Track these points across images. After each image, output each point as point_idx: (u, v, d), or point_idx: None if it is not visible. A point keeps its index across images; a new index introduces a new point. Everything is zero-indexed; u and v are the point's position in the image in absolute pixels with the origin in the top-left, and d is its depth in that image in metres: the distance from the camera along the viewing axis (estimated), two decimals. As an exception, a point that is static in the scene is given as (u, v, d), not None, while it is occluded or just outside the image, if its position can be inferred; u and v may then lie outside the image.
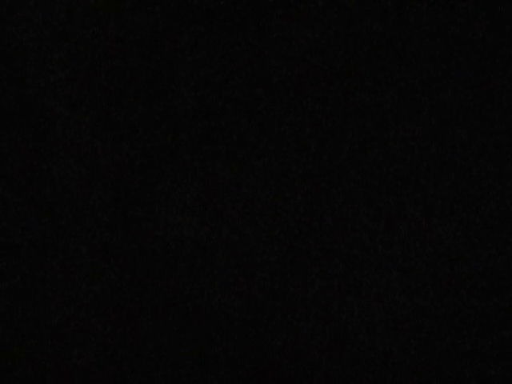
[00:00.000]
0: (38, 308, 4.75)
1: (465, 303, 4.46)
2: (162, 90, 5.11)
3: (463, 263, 4.55)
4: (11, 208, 4.79)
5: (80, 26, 4.75)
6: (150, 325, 4.77)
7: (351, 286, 4.74)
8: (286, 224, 5.06)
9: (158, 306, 4.82)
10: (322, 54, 4.91)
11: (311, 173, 4.93)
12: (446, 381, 4.48)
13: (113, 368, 4.74)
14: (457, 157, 4.64)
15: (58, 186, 4.89)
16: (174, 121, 5.21)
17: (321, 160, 4.98)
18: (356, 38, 4.76)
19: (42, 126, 4.78)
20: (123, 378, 4.77)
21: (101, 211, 4.95)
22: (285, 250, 4.99)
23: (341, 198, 4.87)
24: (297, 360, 4.66)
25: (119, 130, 5.03)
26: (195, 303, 4.90)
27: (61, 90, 4.81)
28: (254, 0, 4.98)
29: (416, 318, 4.51)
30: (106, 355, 4.80)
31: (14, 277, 4.73)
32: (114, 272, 4.90)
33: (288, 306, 4.72)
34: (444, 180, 4.68)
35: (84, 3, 4.71)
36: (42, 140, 4.81)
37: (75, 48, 4.82)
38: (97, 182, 4.95)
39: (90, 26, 4.79)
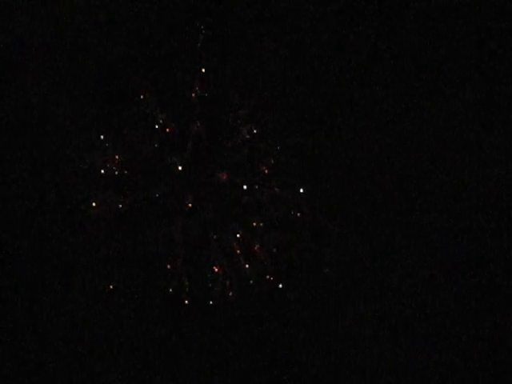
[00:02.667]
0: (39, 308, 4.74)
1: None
2: (161, 89, 5.04)
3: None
4: (12, 209, 4.76)
5: (79, 28, 4.71)
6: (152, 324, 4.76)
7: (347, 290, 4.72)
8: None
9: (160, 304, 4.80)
10: (320, 52, 4.86)
11: (308, 175, 4.90)
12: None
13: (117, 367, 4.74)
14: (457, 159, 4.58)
15: (59, 187, 4.86)
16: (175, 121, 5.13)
17: (319, 160, 4.94)
18: (355, 37, 4.72)
19: (43, 129, 4.75)
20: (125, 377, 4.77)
21: (102, 212, 4.93)
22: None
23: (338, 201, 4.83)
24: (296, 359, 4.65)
25: (119, 130, 4.98)
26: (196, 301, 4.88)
27: (61, 91, 4.77)
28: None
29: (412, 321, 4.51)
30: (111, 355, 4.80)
31: (14, 277, 4.72)
32: (115, 271, 4.89)
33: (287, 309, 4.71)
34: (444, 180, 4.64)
35: (83, 6, 4.66)
36: (42, 142, 4.78)
37: (74, 51, 4.77)
38: (98, 182, 4.92)
39: (89, 28, 4.76)
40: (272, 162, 5.33)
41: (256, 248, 5.18)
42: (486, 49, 4.46)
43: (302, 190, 5.28)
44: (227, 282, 5.11)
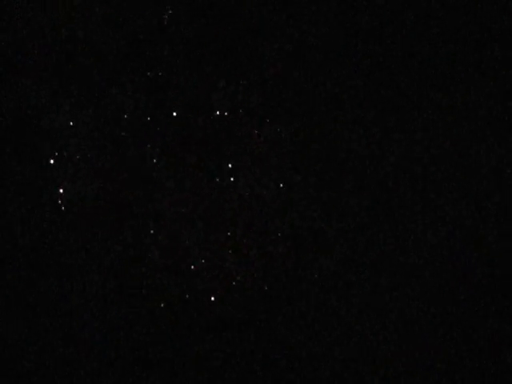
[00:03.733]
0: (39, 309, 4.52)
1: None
2: (158, 91, 4.85)
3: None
4: (11, 210, 4.50)
5: (78, 30, 4.49)
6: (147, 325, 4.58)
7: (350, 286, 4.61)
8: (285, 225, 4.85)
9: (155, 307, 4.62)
10: (319, 49, 4.69)
11: (307, 174, 4.75)
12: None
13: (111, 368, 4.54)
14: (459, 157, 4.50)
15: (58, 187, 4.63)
16: (173, 122, 4.95)
17: (318, 161, 4.78)
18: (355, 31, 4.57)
19: (42, 132, 4.51)
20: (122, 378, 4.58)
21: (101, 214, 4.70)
22: (282, 252, 4.80)
23: (338, 200, 4.69)
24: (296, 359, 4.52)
25: (119, 133, 4.76)
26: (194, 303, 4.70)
27: (59, 94, 4.55)
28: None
29: (413, 319, 4.45)
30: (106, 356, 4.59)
31: (14, 278, 4.49)
32: (112, 272, 4.65)
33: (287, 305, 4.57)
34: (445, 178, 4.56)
35: (82, 10, 4.46)
36: (41, 144, 4.54)
37: (72, 53, 4.56)
38: (97, 184, 4.70)
39: (87, 30, 4.54)
40: (250, 150, 5.09)
41: (235, 245, 4.98)
42: (488, 48, 4.39)
43: (281, 185, 5.09)
44: (209, 282, 4.90)
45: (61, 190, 4.74)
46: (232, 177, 5.05)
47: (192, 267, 4.88)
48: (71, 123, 4.79)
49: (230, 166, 5.04)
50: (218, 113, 5.08)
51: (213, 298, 4.81)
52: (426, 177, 4.42)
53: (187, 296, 4.76)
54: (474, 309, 4.29)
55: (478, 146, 4.31)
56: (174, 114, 5.03)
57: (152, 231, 4.90)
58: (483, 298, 4.29)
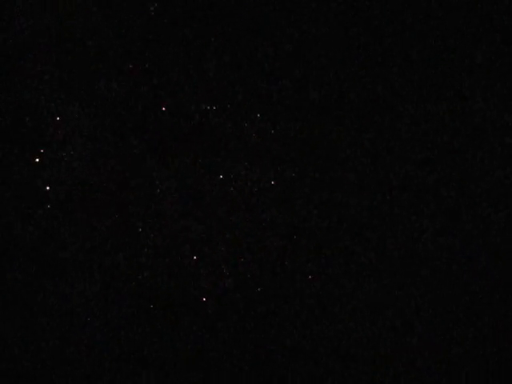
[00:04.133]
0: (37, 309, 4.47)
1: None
2: (156, 89, 4.76)
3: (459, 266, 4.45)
4: (10, 209, 4.44)
5: (78, 30, 4.41)
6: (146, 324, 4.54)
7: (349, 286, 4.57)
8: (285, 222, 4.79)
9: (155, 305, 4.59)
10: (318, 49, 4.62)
11: (309, 172, 4.67)
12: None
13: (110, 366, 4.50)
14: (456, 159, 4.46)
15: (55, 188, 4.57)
16: (170, 121, 4.87)
17: (319, 160, 4.71)
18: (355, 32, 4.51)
19: (40, 130, 4.43)
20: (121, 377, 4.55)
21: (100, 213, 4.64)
22: (283, 249, 4.75)
23: (339, 198, 4.64)
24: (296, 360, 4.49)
25: (116, 133, 4.68)
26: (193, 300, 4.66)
27: (59, 93, 4.47)
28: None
29: (412, 317, 4.43)
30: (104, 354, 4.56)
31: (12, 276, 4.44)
32: (111, 271, 4.60)
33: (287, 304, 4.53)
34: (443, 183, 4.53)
35: (82, 8, 4.37)
36: (39, 143, 4.48)
37: (72, 52, 4.48)
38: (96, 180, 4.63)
39: (87, 30, 4.45)
40: (240, 145, 5.01)
41: (228, 243, 4.91)
42: (492, 49, 4.34)
43: (273, 182, 5.02)
44: (203, 281, 4.84)
45: (48, 188, 4.65)
46: (221, 174, 4.98)
47: (185, 266, 4.82)
48: (58, 118, 4.69)
49: (219, 160, 4.97)
50: (208, 107, 4.99)
51: (204, 299, 4.75)
52: (426, 175, 4.39)
53: (180, 295, 4.71)
54: (475, 308, 4.28)
55: (479, 146, 4.28)
56: (163, 108, 4.94)
57: (140, 229, 4.83)
58: (483, 298, 4.29)
